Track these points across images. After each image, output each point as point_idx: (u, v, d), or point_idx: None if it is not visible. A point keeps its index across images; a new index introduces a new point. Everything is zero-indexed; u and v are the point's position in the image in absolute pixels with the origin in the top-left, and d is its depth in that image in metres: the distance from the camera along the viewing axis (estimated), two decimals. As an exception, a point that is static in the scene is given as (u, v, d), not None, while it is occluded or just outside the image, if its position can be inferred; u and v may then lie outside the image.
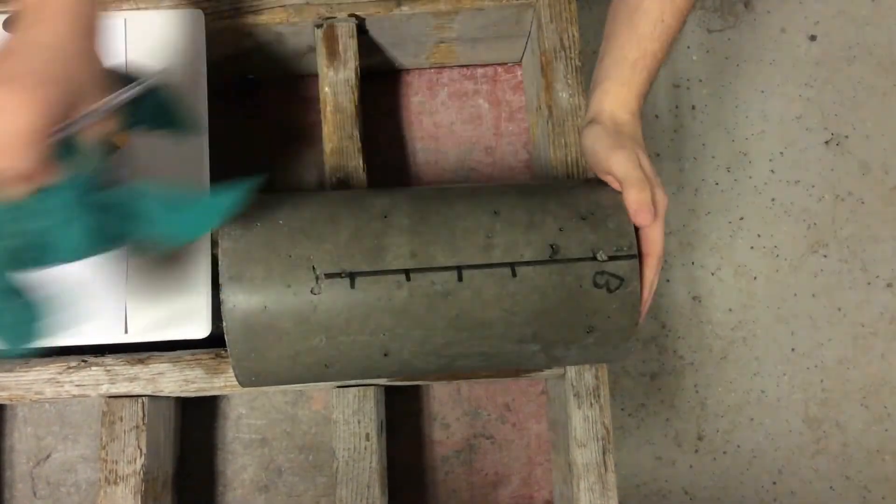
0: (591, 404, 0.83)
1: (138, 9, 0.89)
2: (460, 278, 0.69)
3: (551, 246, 0.69)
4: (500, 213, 0.71)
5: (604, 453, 0.82)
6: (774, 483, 1.57)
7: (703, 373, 1.60)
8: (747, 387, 1.59)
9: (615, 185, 0.70)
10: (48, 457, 0.96)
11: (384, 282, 0.68)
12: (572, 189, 0.74)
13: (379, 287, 0.68)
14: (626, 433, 1.57)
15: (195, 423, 0.97)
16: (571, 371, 0.84)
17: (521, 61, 1.04)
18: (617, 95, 0.71)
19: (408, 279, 0.68)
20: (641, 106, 0.71)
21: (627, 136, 0.70)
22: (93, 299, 0.83)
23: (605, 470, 0.82)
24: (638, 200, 0.67)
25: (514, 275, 0.69)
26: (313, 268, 0.68)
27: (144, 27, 0.88)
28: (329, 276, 0.68)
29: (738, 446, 1.58)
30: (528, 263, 0.69)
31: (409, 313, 0.69)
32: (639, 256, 0.69)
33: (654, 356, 1.60)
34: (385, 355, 0.71)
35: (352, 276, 0.68)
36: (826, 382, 1.59)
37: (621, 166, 0.68)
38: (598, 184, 0.74)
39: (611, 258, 0.69)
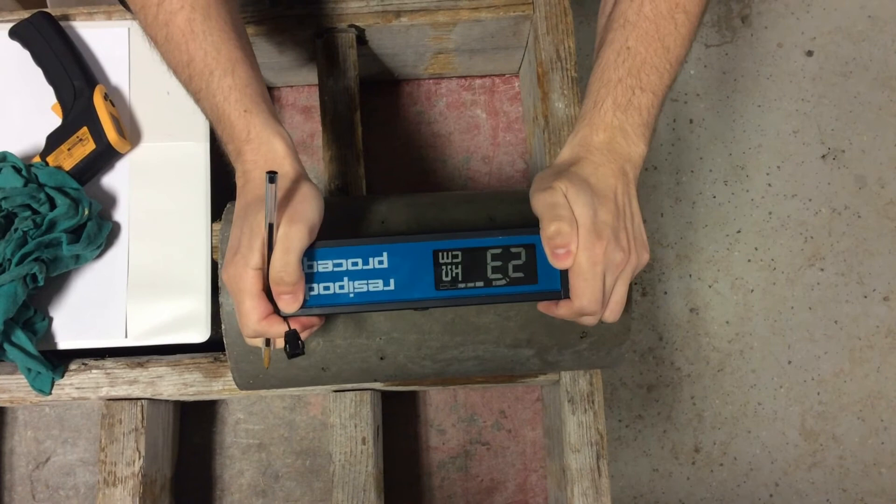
0: (586, 410, 0.84)
1: (142, 18, 0.90)
2: (456, 283, 0.70)
3: (545, 252, 0.70)
4: (495, 220, 0.72)
5: (597, 458, 0.83)
6: (771, 495, 1.58)
7: (700, 385, 1.60)
8: (744, 399, 1.60)
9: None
10: (47, 460, 0.97)
11: (381, 286, 0.69)
12: (566, 196, 0.75)
13: (375, 291, 0.69)
14: (623, 445, 1.58)
15: (194, 427, 0.98)
16: (566, 377, 0.85)
17: (518, 72, 1.05)
18: (576, 134, 0.64)
19: (404, 283, 0.69)
20: (607, 138, 0.63)
21: (569, 175, 0.61)
22: (94, 304, 0.85)
23: (599, 475, 0.83)
24: (547, 237, 0.58)
25: (508, 280, 0.70)
26: (311, 271, 0.69)
27: (148, 36, 0.89)
28: (327, 279, 0.69)
29: (735, 458, 1.59)
30: (522, 269, 0.70)
31: (405, 317, 0.70)
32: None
33: (652, 368, 1.61)
34: (381, 359, 0.72)
35: (349, 280, 0.69)
36: (822, 395, 1.60)
37: (538, 204, 0.60)
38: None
39: (604, 264, 0.70)
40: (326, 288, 0.61)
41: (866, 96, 1.67)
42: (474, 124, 1.05)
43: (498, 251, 0.62)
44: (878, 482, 1.58)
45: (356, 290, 0.61)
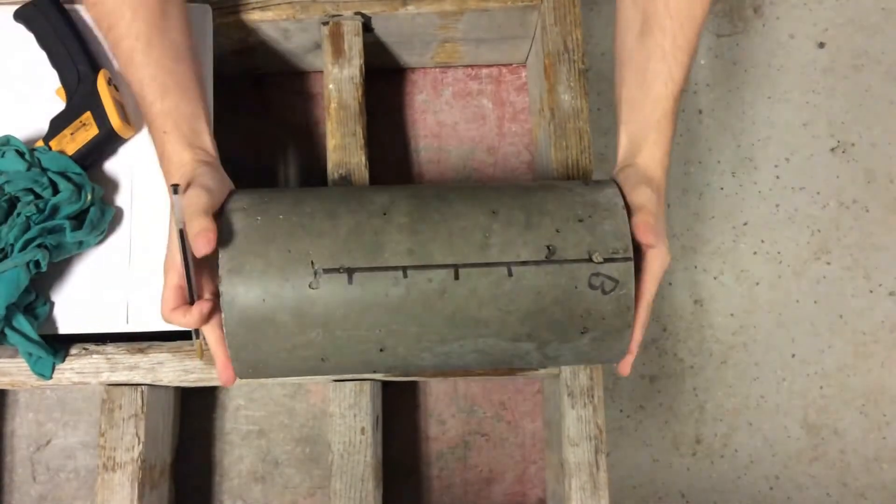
0: (585, 404, 0.84)
1: (147, 2, 0.90)
2: (457, 276, 0.69)
3: (548, 247, 0.70)
4: (497, 213, 0.71)
5: (596, 453, 0.83)
6: (771, 488, 1.58)
7: (702, 376, 1.60)
8: (746, 392, 1.60)
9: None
10: (48, 442, 0.97)
11: (382, 278, 0.69)
12: (570, 190, 0.74)
13: (376, 283, 0.69)
14: (624, 434, 1.58)
15: (194, 412, 0.98)
16: (566, 371, 0.84)
17: (525, 62, 1.04)
18: (650, 154, 0.75)
19: (405, 276, 0.69)
20: (668, 163, 0.75)
21: (655, 186, 0.73)
22: (95, 290, 0.85)
23: (597, 469, 0.83)
24: (645, 222, 0.69)
25: (510, 274, 0.70)
26: (312, 262, 0.69)
27: (153, 20, 0.89)
28: (327, 270, 0.69)
29: (736, 451, 1.59)
30: (524, 263, 0.70)
31: (406, 310, 0.70)
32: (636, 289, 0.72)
33: (655, 359, 1.60)
34: (381, 351, 0.72)
35: (350, 272, 0.69)
36: (825, 389, 1.60)
37: (641, 196, 0.71)
38: (596, 186, 0.75)
39: (606, 260, 0.70)
40: None
41: (878, 90, 1.66)
42: (480, 114, 1.04)
43: None
44: (879, 477, 1.58)
45: None
